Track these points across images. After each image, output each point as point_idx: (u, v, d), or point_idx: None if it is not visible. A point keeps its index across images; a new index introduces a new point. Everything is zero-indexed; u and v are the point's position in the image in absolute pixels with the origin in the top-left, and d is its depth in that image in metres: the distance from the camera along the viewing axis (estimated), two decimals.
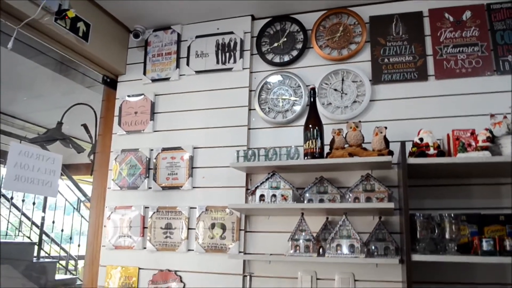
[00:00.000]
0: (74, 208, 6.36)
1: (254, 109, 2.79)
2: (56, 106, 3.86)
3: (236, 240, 2.59)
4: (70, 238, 6.24)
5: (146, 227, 2.81)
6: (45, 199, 6.10)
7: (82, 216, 6.47)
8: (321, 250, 2.33)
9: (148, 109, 2.99)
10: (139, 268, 2.78)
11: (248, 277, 2.40)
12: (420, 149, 2.12)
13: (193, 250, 2.68)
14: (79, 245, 6.35)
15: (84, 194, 6.50)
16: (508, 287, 2.25)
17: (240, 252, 2.58)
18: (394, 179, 2.48)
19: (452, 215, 2.04)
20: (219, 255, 2.61)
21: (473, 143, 2.11)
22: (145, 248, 2.79)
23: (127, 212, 2.87)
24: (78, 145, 3.57)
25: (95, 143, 3.27)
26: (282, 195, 2.39)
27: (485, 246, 1.98)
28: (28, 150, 2.67)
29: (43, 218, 5.99)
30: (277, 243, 2.53)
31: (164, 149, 2.87)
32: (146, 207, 2.84)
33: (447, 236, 2.02)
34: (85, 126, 3.44)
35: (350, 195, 2.37)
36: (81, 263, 6.96)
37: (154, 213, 2.80)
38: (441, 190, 2.39)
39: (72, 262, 6.85)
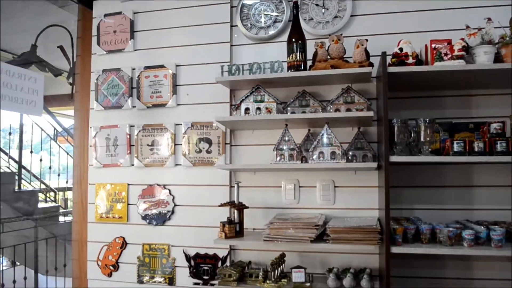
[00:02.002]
0: (51, 138, 6.32)
1: (236, 26, 2.78)
2: (28, 28, 3.72)
3: (222, 154, 2.70)
4: (50, 168, 6.25)
5: (133, 145, 2.87)
6: (21, 134, 6.02)
7: (59, 146, 6.44)
8: (303, 160, 2.46)
9: (127, 27, 2.94)
10: (128, 184, 2.88)
11: (236, 185, 2.52)
12: (400, 59, 2.21)
13: (180, 164, 2.78)
14: (58, 175, 6.37)
15: (62, 127, 6.46)
16: (474, 188, 2.46)
17: (226, 164, 2.70)
18: (373, 92, 2.58)
19: (427, 120, 2.17)
20: (206, 168, 2.73)
21: (449, 53, 2.20)
22: (133, 165, 2.87)
23: (113, 131, 2.91)
24: (55, 68, 3.51)
25: (73, 65, 3.22)
26: (267, 108, 2.46)
27: (456, 147, 2.14)
28: (10, 69, 2.64)
29: (20, 148, 5.95)
30: (261, 156, 2.65)
31: (146, 68, 2.87)
32: (131, 126, 2.88)
33: (422, 139, 2.17)
34: (61, 48, 3.36)
35: (331, 107, 2.46)
36: (61, 195, 7.07)
37: (140, 131, 2.85)
38: (417, 102, 2.52)
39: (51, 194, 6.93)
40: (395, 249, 2.09)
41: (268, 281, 2.36)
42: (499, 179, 2.42)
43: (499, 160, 2.10)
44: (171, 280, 2.76)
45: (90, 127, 2.98)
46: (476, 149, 2.14)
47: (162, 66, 2.84)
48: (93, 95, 2.98)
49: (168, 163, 2.79)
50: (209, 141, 2.72)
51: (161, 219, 2.78)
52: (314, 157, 2.35)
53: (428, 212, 2.48)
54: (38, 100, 2.79)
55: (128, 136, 2.87)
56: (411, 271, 2.47)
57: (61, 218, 6.20)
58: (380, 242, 2.19)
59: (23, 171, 6.20)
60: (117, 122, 2.91)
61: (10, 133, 5.80)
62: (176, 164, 2.79)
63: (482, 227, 2.14)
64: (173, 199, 2.77)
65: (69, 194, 7.34)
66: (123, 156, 2.88)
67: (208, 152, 2.72)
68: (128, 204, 2.86)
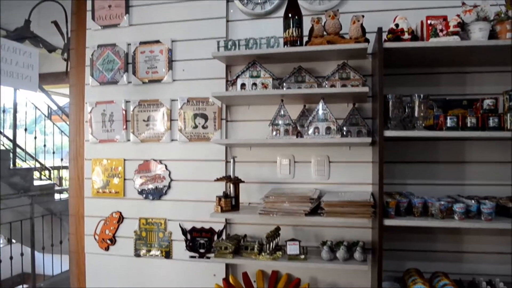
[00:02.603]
0: (45, 116, 6.29)
1: (232, 1, 2.76)
2: (21, 4, 3.67)
3: (218, 129, 2.72)
4: (44, 146, 6.25)
5: (129, 121, 2.88)
6: (15, 112, 5.98)
7: (54, 124, 6.42)
8: (299, 135, 2.49)
9: (122, 2, 2.91)
10: (125, 159, 2.90)
11: (232, 160, 2.54)
12: (396, 34, 2.21)
13: (176, 140, 2.80)
14: (53, 153, 6.36)
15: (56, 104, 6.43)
16: (466, 164, 2.51)
17: (222, 139, 2.72)
18: (368, 68, 2.59)
19: (422, 96, 2.20)
20: (202, 144, 2.75)
21: (445, 30, 2.22)
22: (129, 140, 2.88)
23: (109, 107, 2.91)
24: (49, 43, 3.48)
25: (68, 41, 3.20)
26: (263, 83, 2.48)
27: (449, 122, 2.17)
28: (5, 44, 2.62)
29: (14, 126, 5.92)
30: (257, 132, 2.67)
31: (142, 43, 2.86)
32: (127, 101, 2.89)
33: (416, 114, 2.20)
34: (55, 23, 3.33)
35: (327, 83, 2.48)
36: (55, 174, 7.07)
37: (135, 106, 2.85)
38: (411, 79, 2.54)
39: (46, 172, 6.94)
40: (388, 222, 2.14)
41: (263, 254, 2.41)
42: (491, 155, 2.47)
43: (491, 135, 2.14)
44: (167, 254, 2.80)
45: (86, 103, 2.98)
46: (469, 125, 2.18)
47: (157, 42, 2.83)
48: (88, 70, 2.97)
49: (164, 138, 2.80)
50: (205, 117, 2.74)
51: (158, 193, 2.81)
52: (310, 132, 2.38)
53: (420, 187, 2.53)
54: (34, 75, 2.79)
55: (124, 112, 2.87)
56: (402, 245, 2.53)
57: (57, 196, 6.22)
58: (373, 216, 2.24)
59: (17, 150, 6.19)
60: (112, 98, 2.91)
61: (3, 111, 5.76)
62: (172, 140, 2.81)
63: (473, 201, 2.19)
64: (169, 174, 2.80)
65: (64, 173, 7.35)
66: (119, 132, 2.89)
67: (204, 127, 2.73)
68: (125, 179, 2.89)
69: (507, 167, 2.46)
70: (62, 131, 6.69)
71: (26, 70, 2.69)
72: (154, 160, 2.83)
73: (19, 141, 6.14)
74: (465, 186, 2.51)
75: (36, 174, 6.45)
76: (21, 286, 5.42)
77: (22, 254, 5.31)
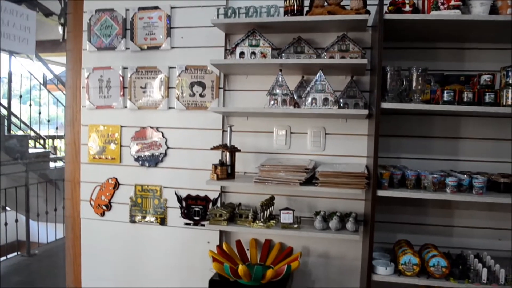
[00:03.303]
0: (40, 83, 6.24)
1: None
2: None
3: (216, 98, 2.71)
4: (39, 113, 6.22)
5: (126, 87, 2.87)
6: (9, 80, 5.92)
7: (49, 92, 6.37)
8: (296, 106, 2.49)
9: None
10: (121, 126, 2.90)
11: (228, 129, 2.55)
12: (397, 6, 2.20)
13: (173, 107, 2.80)
14: (48, 121, 6.34)
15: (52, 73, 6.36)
16: (461, 140, 2.53)
17: (219, 107, 2.72)
18: (367, 41, 2.59)
19: (420, 69, 2.20)
20: (199, 112, 2.75)
21: (446, 3, 2.20)
22: (126, 107, 2.87)
23: (106, 73, 2.89)
24: (46, 7, 3.42)
25: (65, 5, 3.15)
26: (262, 53, 2.47)
27: (446, 96, 2.18)
28: (2, 5, 2.58)
29: (9, 94, 5.88)
30: (254, 102, 2.67)
31: (140, 9, 2.82)
32: (125, 68, 2.87)
33: (413, 87, 2.21)
34: None
35: (326, 54, 2.47)
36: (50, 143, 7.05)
37: (133, 73, 2.84)
38: (410, 53, 2.54)
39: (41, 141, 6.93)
40: (381, 193, 2.17)
41: (257, 222, 2.44)
42: (486, 132, 2.50)
43: (487, 111, 2.16)
44: (162, 220, 2.84)
45: (83, 68, 2.96)
46: (465, 99, 2.19)
47: (156, 8, 2.80)
48: (86, 35, 2.94)
49: (161, 106, 2.80)
50: (202, 85, 2.73)
51: (154, 161, 2.82)
52: (307, 102, 2.38)
53: (414, 162, 2.56)
54: (31, 38, 2.76)
55: (121, 78, 2.86)
56: (394, 217, 2.58)
57: (52, 164, 6.23)
58: (367, 187, 2.27)
59: (12, 119, 6.16)
60: (110, 64, 2.89)
61: None
62: (169, 107, 2.80)
63: (465, 175, 2.22)
64: (165, 142, 2.81)
65: (59, 143, 7.34)
66: (116, 98, 2.88)
67: (201, 96, 2.73)
68: (121, 146, 2.90)
69: (500, 144, 2.49)
70: (57, 100, 6.64)
71: (23, 32, 2.65)
72: (151, 127, 2.83)
73: (14, 110, 6.10)
74: (458, 162, 2.54)
75: (31, 143, 6.43)
76: (15, 253, 5.47)
77: (16, 221, 5.35)
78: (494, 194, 2.18)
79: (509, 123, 2.47)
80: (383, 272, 2.20)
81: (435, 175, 2.19)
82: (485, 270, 2.14)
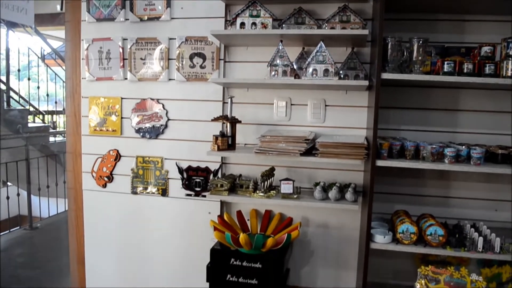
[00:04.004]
0: (38, 57, 6.19)
1: None
2: None
3: (216, 69, 2.71)
4: (38, 88, 6.19)
5: (126, 59, 2.85)
6: (7, 54, 5.86)
7: (47, 66, 6.33)
8: (296, 77, 2.50)
9: None
10: (122, 98, 2.90)
11: (229, 100, 2.55)
12: None
13: (174, 79, 2.79)
14: (47, 95, 6.31)
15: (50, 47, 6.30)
16: (460, 112, 2.55)
17: (220, 78, 2.72)
18: (369, 13, 2.57)
19: (421, 39, 2.20)
20: (200, 83, 2.75)
21: None
22: (126, 78, 2.87)
23: (106, 44, 2.88)
24: None
25: None
26: (262, 23, 2.45)
27: (446, 67, 2.19)
28: None
29: (7, 69, 5.84)
30: (255, 73, 2.66)
31: None
32: (124, 39, 2.85)
33: (414, 58, 2.20)
34: None
35: (327, 25, 2.46)
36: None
37: (133, 44, 2.82)
38: (411, 25, 2.53)
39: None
40: (380, 163, 2.20)
41: (257, 192, 2.48)
42: (485, 104, 2.51)
43: (487, 82, 2.16)
44: (164, 191, 2.87)
45: (82, 40, 2.94)
46: (465, 70, 2.19)
47: None
48: (85, 6, 2.91)
49: (162, 77, 2.80)
50: (203, 56, 2.72)
51: (155, 132, 2.84)
52: (308, 73, 2.38)
53: (413, 133, 2.58)
54: (29, 8, 2.74)
55: (121, 49, 2.85)
56: (392, 188, 2.62)
57: (51, 139, 6.24)
58: (366, 157, 2.29)
59: (11, 94, 6.13)
60: (109, 35, 2.87)
61: None
62: (170, 79, 2.80)
63: (464, 146, 2.25)
64: (166, 113, 2.82)
65: (58, 118, 7.33)
66: (116, 70, 2.87)
67: (202, 67, 2.73)
68: (122, 117, 2.90)
69: (499, 117, 2.50)
70: (56, 75, 6.60)
71: (22, 2, 2.63)
72: (151, 99, 2.83)
73: (12, 86, 6.07)
74: (457, 134, 2.56)
75: (30, 118, 6.43)
76: (18, 227, 5.54)
77: (18, 194, 5.40)
78: (492, 165, 2.21)
79: (509, 95, 2.48)
80: (381, 240, 2.25)
81: (433, 146, 2.21)
82: (481, 239, 2.19)
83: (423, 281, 2.35)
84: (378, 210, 2.60)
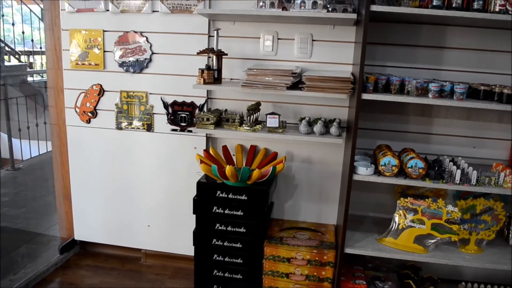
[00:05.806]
0: None
1: None
2: None
3: (201, 1, 2.63)
4: (13, 24, 5.92)
5: None
6: None
7: (22, 2, 6.03)
8: (284, 9, 2.44)
9: None
10: (104, 30, 2.81)
11: (215, 32, 2.50)
12: None
13: (158, 11, 2.70)
14: (23, 33, 6.05)
15: None
16: (445, 49, 2.55)
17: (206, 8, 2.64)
18: None
19: None
20: (184, 16, 2.67)
21: None
22: (108, 10, 2.76)
23: None
24: None
25: None
26: None
27: (435, 1, 2.15)
28: None
29: None
30: (241, 6, 2.57)
31: None
32: None
33: None
34: None
35: None
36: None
37: None
38: None
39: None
40: (365, 96, 2.21)
41: (244, 125, 2.49)
42: (471, 42, 2.51)
43: (474, 16, 2.15)
44: (149, 127, 2.87)
45: None
46: (454, 5, 2.17)
47: None
48: None
49: (145, 8, 2.70)
50: None
51: (139, 66, 2.78)
52: (295, 6, 2.33)
53: (399, 70, 2.59)
54: None
55: None
56: (376, 125, 2.67)
57: (30, 79, 6.06)
58: (352, 92, 2.31)
59: None
60: None
61: None
62: (153, 11, 2.71)
63: (447, 82, 2.28)
64: (150, 47, 2.75)
65: (34, 60, 7.08)
66: (97, 1, 2.75)
67: None
68: (104, 51, 2.83)
69: (483, 55, 2.52)
70: (31, 10, 6.29)
71: None
72: (134, 31, 2.75)
73: None
74: (442, 72, 2.58)
75: (6, 58, 6.19)
76: None
77: None
78: (474, 101, 2.25)
79: (495, 33, 2.48)
80: (363, 172, 2.31)
81: (418, 80, 2.24)
82: (458, 172, 2.27)
83: (401, 212, 2.46)
84: (362, 145, 2.66)
